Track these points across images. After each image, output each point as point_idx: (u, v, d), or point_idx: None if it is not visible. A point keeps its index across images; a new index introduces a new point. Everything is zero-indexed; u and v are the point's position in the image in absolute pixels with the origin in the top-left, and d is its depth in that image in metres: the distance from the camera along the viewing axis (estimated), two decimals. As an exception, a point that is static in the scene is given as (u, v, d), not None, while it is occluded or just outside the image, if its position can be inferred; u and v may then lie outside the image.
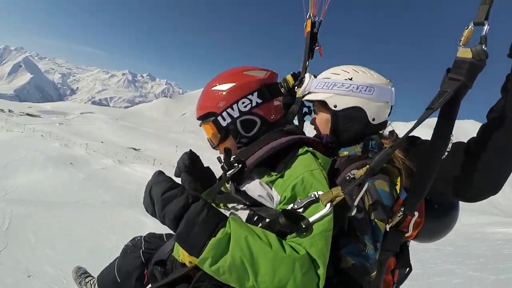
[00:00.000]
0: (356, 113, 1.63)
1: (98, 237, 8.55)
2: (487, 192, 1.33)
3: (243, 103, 1.48)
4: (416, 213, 1.44)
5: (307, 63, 2.16)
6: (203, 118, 1.58)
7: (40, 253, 7.65)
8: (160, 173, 1.29)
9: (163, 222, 1.19)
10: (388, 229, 1.42)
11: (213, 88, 1.53)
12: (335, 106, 1.63)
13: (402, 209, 1.39)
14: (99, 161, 51.60)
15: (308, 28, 2.16)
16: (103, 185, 33.05)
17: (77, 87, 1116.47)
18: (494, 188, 1.31)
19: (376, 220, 1.37)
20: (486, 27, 1.09)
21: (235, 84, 1.49)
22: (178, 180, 1.52)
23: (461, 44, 1.15)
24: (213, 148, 1.64)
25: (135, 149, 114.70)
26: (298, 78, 2.00)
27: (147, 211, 1.26)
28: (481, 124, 1.35)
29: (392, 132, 1.72)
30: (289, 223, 1.15)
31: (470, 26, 1.13)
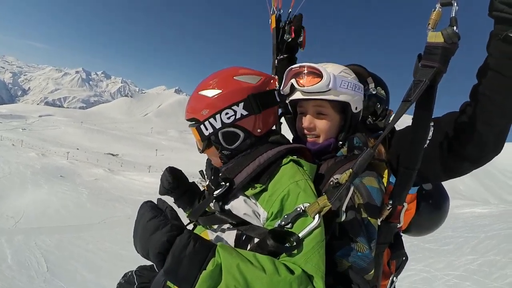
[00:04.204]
0: (361, 113, 1.60)
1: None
2: (493, 152, 1.26)
3: (226, 114, 1.35)
4: (405, 204, 1.39)
5: (275, 62, 2.02)
6: (190, 121, 1.46)
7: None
8: (143, 205, 1.20)
9: (147, 258, 1.10)
10: (379, 223, 1.36)
11: (200, 93, 1.41)
12: (356, 109, 1.53)
13: (391, 202, 1.35)
14: (88, 171, 49.23)
15: (273, 25, 2.00)
16: (115, 199, 31.08)
17: (29, 87, 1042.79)
18: (499, 147, 1.25)
19: (369, 218, 1.31)
20: (454, 7, 1.03)
21: (221, 91, 1.36)
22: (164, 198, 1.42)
23: (429, 27, 1.08)
24: (200, 152, 1.53)
25: (113, 154, 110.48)
26: None
27: (137, 251, 1.16)
28: None
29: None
30: (277, 244, 1.10)
31: (437, 8, 1.06)
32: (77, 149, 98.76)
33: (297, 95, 1.52)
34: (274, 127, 1.63)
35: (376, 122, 1.77)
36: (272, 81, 1.49)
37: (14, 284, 6.76)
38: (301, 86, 1.48)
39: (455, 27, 1.04)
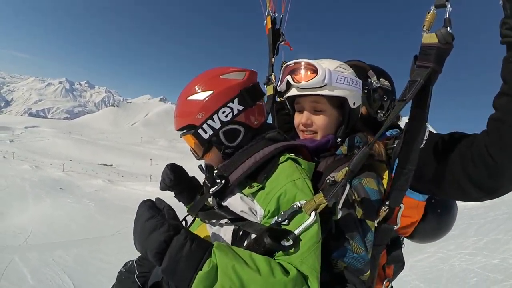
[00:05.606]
0: (359, 109, 1.58)
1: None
2: (510, 184, 1.18)
3: (223, 112, 1.36)
4: (402, 205, 1.34)
5: (272, 60, 2.08)
6: (183, 129, 1.44)
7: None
8: (141, 204, 1.20)
9: (146, 257, 1.12)
10: (376, 225, 1.34)
11: (189, 98, 1.39)
12: (354, 104, 1.50)
13: (387, 202, 1.31)
14: (87, 183, 48.02)
15: (269, 25, 2.08)
16: (122, 210, 30.17)
17: (12, 98, 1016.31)
18: None
19: (365, 220, 1.29)
20: (448, 8, 1.06)
21: (212, 91, 1.36)
22: (163, 195, 1.52)
23: (424, 29, 1.11)
24: (198, 159, 1.50)
25: (106, 165, 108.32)
26: (266, 76, 2.04)
27: (136, 249, 1.18)
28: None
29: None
30: (275, 244, 1.09)
31: (432, 10, 1.09)
32: (70, 160, 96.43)
33: (293, 92, 1.53)
34: (272, 123, 1.68)
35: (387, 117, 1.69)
36: (254, 74, 1.48)
37: (44, 307, 5.82)
38: (296, 82, 1.49)
39: (449, 28, 1.07)
